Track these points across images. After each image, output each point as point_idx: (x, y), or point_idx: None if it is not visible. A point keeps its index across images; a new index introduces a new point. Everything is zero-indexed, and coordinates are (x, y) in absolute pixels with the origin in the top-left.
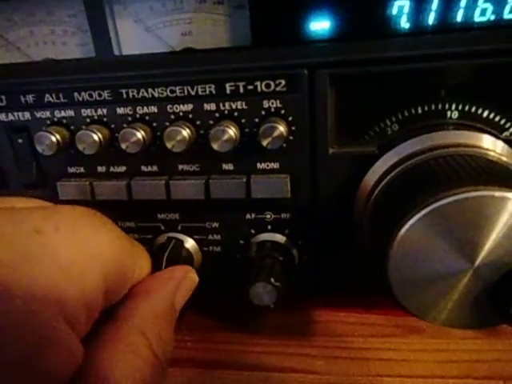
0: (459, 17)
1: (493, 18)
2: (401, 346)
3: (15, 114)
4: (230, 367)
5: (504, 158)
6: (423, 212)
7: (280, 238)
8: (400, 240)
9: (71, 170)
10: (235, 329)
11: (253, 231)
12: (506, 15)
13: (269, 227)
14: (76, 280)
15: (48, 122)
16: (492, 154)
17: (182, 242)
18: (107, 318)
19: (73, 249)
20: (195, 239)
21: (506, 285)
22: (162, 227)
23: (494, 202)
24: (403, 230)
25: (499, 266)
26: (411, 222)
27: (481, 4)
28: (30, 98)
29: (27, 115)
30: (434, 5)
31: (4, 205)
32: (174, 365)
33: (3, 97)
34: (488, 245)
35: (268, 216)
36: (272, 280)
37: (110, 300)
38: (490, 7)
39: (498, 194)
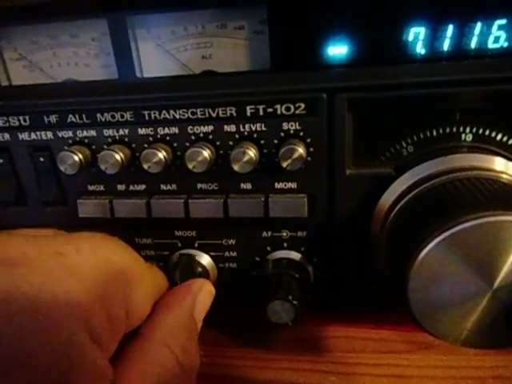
0: (473, 44)
1: (506, 45)
2: (413, 362)
3: (38, 133)
4: (244, 383)
5: None
6: (443, 235)
7: (295, 255)
8: (420, 263)
9: (91, 187)
10: (248, 343)
11: (269, 248)
12: None
13: (285, 245)
14: (99, 298)
15: (70, 141)
16: (505, 176)
17: (198, 259)
18: (131, 337)
19: (94, 269)
20: (211, 256)
21: None
22: (179, 244)
23: None
24: (423, 253)
25: None
26: (431, 245)
27: (494, 32)
28: (53, 118)
29: (50, 135)
30: (449, 32)
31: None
32: None
33: (27, 117)
34: (506, 267)
35: (284, 234)
36: (290, 298)
37: (133, 320)
38: (503, 35)
39: None
